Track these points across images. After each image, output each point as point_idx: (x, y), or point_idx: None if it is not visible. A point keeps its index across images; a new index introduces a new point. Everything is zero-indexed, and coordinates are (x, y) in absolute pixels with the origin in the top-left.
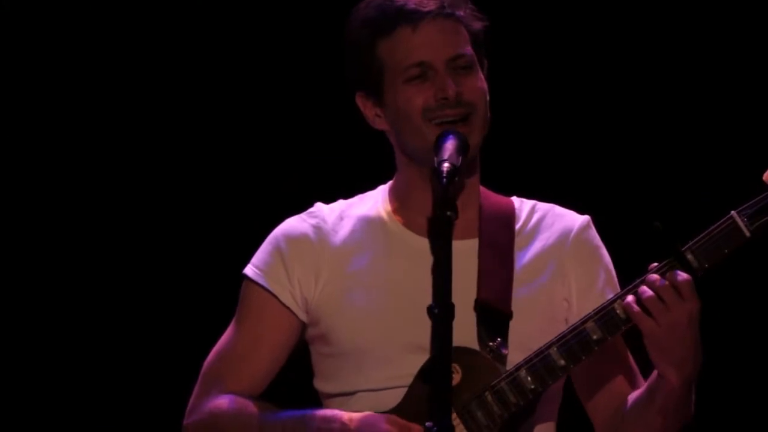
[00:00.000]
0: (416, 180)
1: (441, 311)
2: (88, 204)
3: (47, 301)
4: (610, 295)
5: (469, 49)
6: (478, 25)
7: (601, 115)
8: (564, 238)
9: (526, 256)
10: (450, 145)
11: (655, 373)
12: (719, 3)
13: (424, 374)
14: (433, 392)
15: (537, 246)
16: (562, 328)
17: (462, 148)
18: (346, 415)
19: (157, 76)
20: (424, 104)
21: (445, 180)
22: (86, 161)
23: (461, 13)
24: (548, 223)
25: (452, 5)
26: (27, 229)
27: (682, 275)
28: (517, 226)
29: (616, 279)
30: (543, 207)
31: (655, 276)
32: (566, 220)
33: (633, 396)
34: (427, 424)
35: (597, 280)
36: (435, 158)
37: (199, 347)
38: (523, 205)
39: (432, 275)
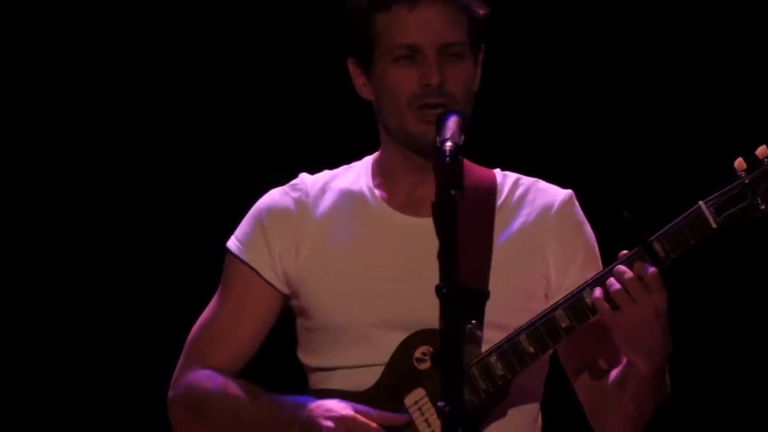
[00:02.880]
0: (397, 156)
1: (449, 291)
2: (85, 194)
3: (47, 296)
4: (590, 273)
5: (463, 38)
6: (479, 12)
7: (591, 99)
8: (545, 213)
9: (506, 232)
10: (452, 124)
11: (624, 360)
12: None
13: (433, 356)
14: (443, 373)
15: (518, 222)
16: (541, 304)
17: (463, 127)
18: (315, 403)
19: (150, 70)
20: (409, 91)
21: (448, 158)
22: (83, 154)
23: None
24: (530, 198)
25: None
26: (16, 224)
27: (650, 268)
28: (499, 202)
29: (598, 256)
30: (526, 182)
31: (623, 268)
32: (548, 195)
33: (610, 379)
34: (439, 404)
35: (576, 256)
36: (437, 138)
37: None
38: (505, 179)
39: (406, 252)
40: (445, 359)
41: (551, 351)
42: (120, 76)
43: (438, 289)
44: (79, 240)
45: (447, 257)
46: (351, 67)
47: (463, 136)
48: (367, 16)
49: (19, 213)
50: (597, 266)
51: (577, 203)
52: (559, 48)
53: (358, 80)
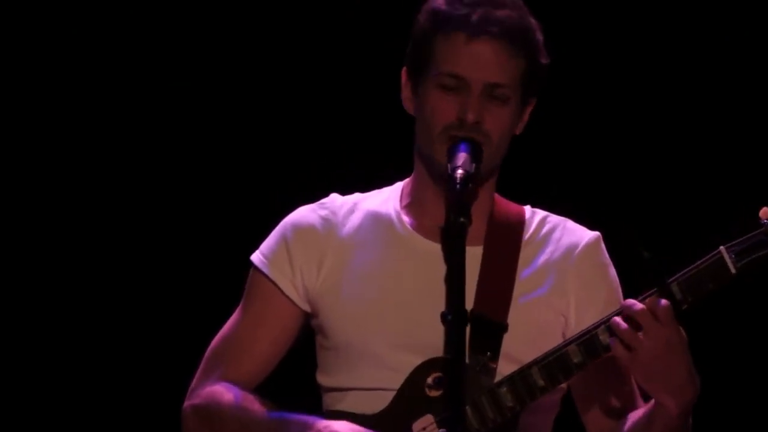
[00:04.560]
0: (426, 181)
1: (454, 318)
2: (98, 192)
3: (70, 307)
4: None
5: (512, 81)
6: (540, 61)
7: (622, 143)
8: (569, 253)
9: (529, 267)
10: (463, 152)
11: (653, 401)
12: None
13: (435, 380)
14: (446, 400)
15: (542, 258)
16: (557, 342)
17: (476, 156)
18: (323, 423)
19: (171, 70)
20: (445, 120)
21: (458, 186)
22: (97, 155)
23: (524, 44)
24: (557, 236)
25: (518, 34)
26: (26, 226)
27: (661, 301)
28: (525, 237)
29: (621, 299)
30: (554, 220)
31: (632, 300)
32: (575, 235)
33: (632, 417)
34: (440, 430)
35: (598, 298)
36: (449, 165)
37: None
38: (534, 216)
39: (428, 278)
40: (449, 385)
41: (561, 386)
42: (157, 90)
43: (443, 316)
44: (112, 255)
45: (454, 284)
46: (404, 77)
47: (474, 165)
48: (429, 33)
49: (44, 229)
50: None
51: (603, 246)
52: (594, 78)
53: (406, 92)
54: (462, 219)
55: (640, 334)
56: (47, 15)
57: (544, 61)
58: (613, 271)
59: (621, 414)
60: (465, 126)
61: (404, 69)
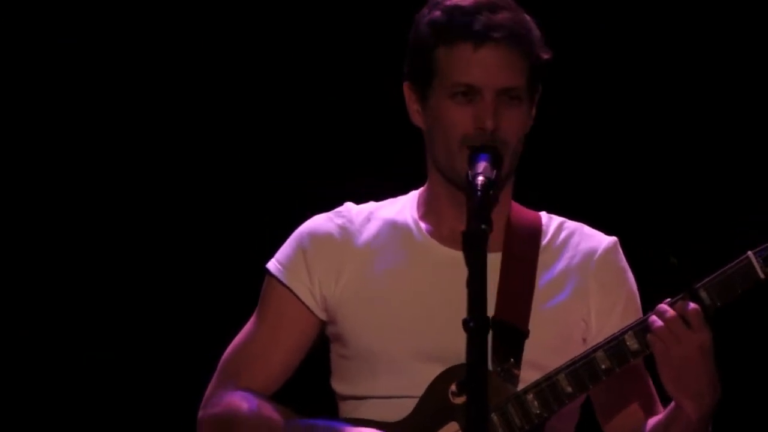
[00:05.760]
0: (443, 189)
1: (476, 324)
2: (110, 201)
3: (84, 316)
4: (631, 320)
5: (522, 82)
6: (541, 56)
7: (643, 146)
8: (588, 259)
9: (548, 273)
10: (484, 159)
11: (673, 404)
12: None
13: (459, 387)
14: (468, 405)
15: (561, 264)
16: (578, 347)
17: (496, 162)
18: (350, 429)
19: (193, 81)
20: (463, 130)
21: (480, 193)
22: (132, 176)
23: (528, 43)
24: (575, 242)
25: (521, 34)
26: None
27: (692, 306)
28: (543, 243)
29: (639, 304)
30: (571, 225)
31: (664, 306)
32: (593, 240)
33: (651, 423)
34: None
35: (617, 303)
36: (469, 172)
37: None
38: (551, 222)
39: (448, 285)
40: (470, 392)
41: (588, 392)
42: (174, 99)
43: (465, 323)
44: (128, 264)
45: (475, 291)
46: (407, 92)
47: (495, 171)
48: (430, 46)
49: (57, 238)
50: (637, 314)
51: (620, 251)
52: (609, 84)
53: (412, 106)
54: (483, 226)
55: (672, 338)
56: (47, 15)
57: (545, 55)
58: (631, 275)
59: (640, 421)
60: (484, 135)
61: (406, 84)
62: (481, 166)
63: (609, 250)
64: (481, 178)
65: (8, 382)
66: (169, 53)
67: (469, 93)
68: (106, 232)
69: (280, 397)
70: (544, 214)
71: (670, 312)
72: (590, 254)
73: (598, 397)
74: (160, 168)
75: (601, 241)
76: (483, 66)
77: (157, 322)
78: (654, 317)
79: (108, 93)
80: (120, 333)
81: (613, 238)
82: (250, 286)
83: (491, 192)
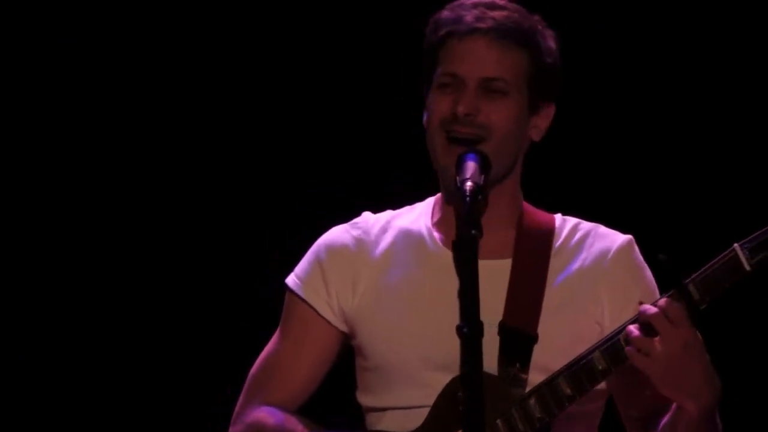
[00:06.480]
0: (446, 194)
1: (470, 330)
2: (110, 201)
3: (108, 328)
4: None
5: (508, 75)
6: (542, 60)
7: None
8: (602, 259)
9: (561, 276)
10: (471, 164)
11: (674, 405)
12: None
13: (452, 395)
14: (463, 414)
15: (574, 266)
16: None
17: (484, 167)
18: None
19: (207, 88)
20: (440, 115)
21: (468, 199)
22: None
23: (520, 40)
24: (588, 243)
25: (511, 29)
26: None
27: (674, 303)
28: (556, 245)
29: None
30: (585, 226)
31: (647, 305)
32: (607, 240)
33: (659, 425)
34: None
35: (632, 302)
36: (458, 177)
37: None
38: (565, 224)
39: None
40: (466, 398)
41: (602, 391)
42: (188, 106)
43: (458, 329)
44: (151, 277)
45: (467, 297)
46: (424, 96)
47: (483, 176)
48: (431, 44)
49: (73, 247)
50: None
51: (636, 249)
52: (619, 87)
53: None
54: (473, 231)
55: (656, 339)
56: (47, 15)
57: (550, 60)
58: (648, 273)
59: (657, 415)
60: (459, 121)
61: (423, 88)
62: (469, 170)
63: (622, 249)
64: (469, 184)
65: (10, 382)
66: (176, 55)
67: (454, 82)
68: (109, 235)
69: (310, 410)
70: (558, 216)
71: (652, 309)
72: (604, 254)
73: (616, 392)
74: (165, 171)
75: (615, 240)
76: (466, 54)
77: (178, 339)
78: (639, 317)
79: (108, 93)
80: (142, 350)
81: (628, 237)
82: (273, 300)
83: (480, 197)
